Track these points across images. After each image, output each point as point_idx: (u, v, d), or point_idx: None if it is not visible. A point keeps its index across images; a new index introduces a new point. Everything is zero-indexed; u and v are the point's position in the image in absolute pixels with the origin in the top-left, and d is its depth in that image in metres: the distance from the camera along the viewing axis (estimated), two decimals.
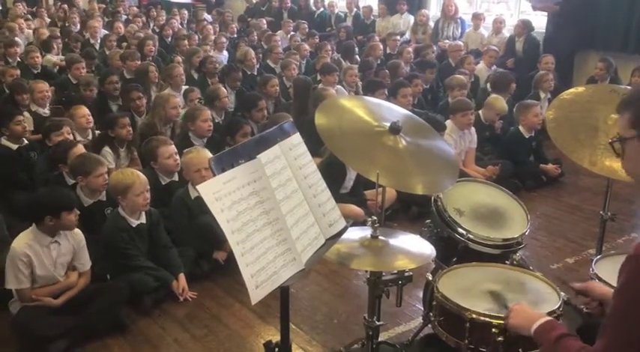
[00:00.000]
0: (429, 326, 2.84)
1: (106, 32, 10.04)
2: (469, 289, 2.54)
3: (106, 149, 4.96)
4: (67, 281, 3.47)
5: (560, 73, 7.91)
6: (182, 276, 3.88)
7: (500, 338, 2.26)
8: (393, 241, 2.48)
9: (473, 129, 5.73)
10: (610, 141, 1.89)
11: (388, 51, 9.23)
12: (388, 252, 2.43)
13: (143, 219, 3.86)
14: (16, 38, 8.89)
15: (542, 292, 2.51)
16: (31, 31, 10.35)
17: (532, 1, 9.02)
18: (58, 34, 9.62)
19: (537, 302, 2.40)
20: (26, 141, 5.05)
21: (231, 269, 3.88)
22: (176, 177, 4.55)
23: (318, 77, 7.19)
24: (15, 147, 4.95)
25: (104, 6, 13.74)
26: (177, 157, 4.47)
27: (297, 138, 2.19)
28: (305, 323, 3.59)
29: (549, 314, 2.19)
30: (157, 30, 11.16)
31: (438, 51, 9.18)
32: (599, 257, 2.90)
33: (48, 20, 11.98)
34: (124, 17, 12.05)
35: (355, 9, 11.89)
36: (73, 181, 4.14)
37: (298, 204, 2.06)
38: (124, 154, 5.09)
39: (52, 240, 3.39)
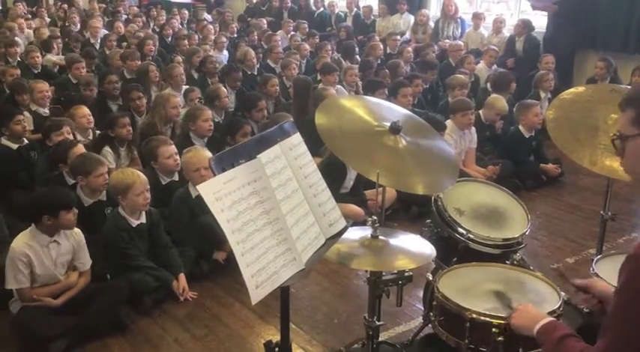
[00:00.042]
0: (430, 325, 2.83)
1: (106, 32, 10.05)
2: (469, 289, 2.54)
3: (107, 149, 4.97)
4: (67, 281, 3.47)
5: (560, 72, 7.91)
6: (182, 276, 3.88)
7: (500, 338, 2.26)
8: (393, 241, 2.48)
9: (473, 129, 5.73)
10: (612, 136, 1.85)
11: (388, 51, 9.23)
12: (388, 252, 2.43)
13: (143, 219, 3.86)
14: (17, 38, 8.90)
15: (542, 292, 2.50)
16: (31, 31, 10.34)
17: (531, 1, 9.02)
18: (59, 34, 9.63)
19: (538, 301, 2.40)
20: (26, 141, 5.05)
21: (231, 269, 3.88)
22: (176, 177, 4.56)
23: (319, 77, 7.19)
24: (15, 146, 4.95)
25: (104, 6, 13.75)
26: (178, 157, 4.47)
27: (297, 137, 2.19)
28: (305, 323, 3.59)
29: (550, 313, 2.20)
30: (157, 30, 11.16)
31: (438, 51, 9.17)
32: (599, 257, 2.90)
33: (48, 20, 12.00)
34: (124, 17, 12.06)
35: (355, 9, 11.90)
36: (74, 181, 4.14)
37: (298, 203, 2.06)
38: (124, 154, 5.09)
39: (51, 240, 3.38)
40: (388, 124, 2.56)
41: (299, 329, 3.51)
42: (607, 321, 1.70)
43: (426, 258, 2.44)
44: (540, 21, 9.05)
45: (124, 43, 9.39)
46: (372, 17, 11.52)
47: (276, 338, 2.26)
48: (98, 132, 5.42)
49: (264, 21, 11.76)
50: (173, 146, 4.57)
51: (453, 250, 2.94)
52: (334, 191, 2.35)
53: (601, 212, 3.41)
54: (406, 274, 2.48)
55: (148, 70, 6.99)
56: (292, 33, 10.52)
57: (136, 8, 13.35)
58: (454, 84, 6.67)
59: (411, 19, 10.66)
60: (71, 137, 4.87)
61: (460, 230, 2.94)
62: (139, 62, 7.58)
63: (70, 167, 4.18)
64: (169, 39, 10.40)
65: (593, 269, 2.68)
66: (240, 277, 1.79)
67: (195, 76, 7.73)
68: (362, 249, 2.41)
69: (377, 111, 2.70)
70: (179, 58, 8.20)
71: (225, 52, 9.36)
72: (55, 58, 8.58)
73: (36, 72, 7.82)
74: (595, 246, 3.64)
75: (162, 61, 8.58)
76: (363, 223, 3.06)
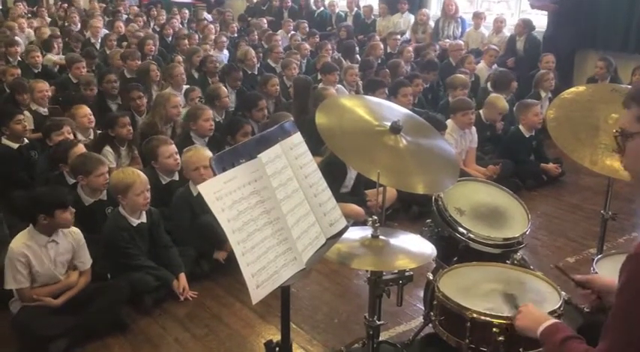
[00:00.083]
0: (430, 325, 2.83)
1: (107, 31, 10.05)
2: (470, 288, 2.54)
3: (107, 148, 4.97)
4: (67, 281, 3.47)
5: (560, 72, 7.91)
6: (183, 276, 3.88)
7: (501, 338, 2.26)
8: (393, 241, 2.48)
9: (473, 128, 5.72)
10: (614, 133, 1.82)
11: (389, 50, 9.24)
12: (389, 252, 2.42)
13: (144, 219, 3.86)
14: (17, 37, 8.92)
15: (542, 291, 2.51)
16: (31, 31, 10.35)
17: (530, 0, 9.03)
18: (59, 34, 9.64)
19: (538, 301, 2.40)
20: (27, 141, 5.05)
21: (231, 268, 3.88)
22: (176, 177, 4.56)
23: (319, 76, 7.19)
24: (15, 146, 4.95)
25: (105, 5, 13.77)
26: (178, 157, 4.47)
27: (297, 137, 2.19)
28: (306, 323, 3.59)
29: (550, 313, 2.20)
30: (158, 29, 11.18)
31: (438, 50, 9.17)
32: (600, 256, 2.90)
33: (48, 19, 12.01)
34: (125, 16, 12.08)
35: (356, 8, 11.91)
36: (74, 181, 4.14)
37: (299, 203, 2.05)
38: (124, 153, 5.10)
39: (50, 240, 3.38)
40: (389, 124, 2.56)
41: (299, 329, 3.51)
42: (608, 322, 1.70)
43: (427, 258, 2.44)
44: (541, 20, 9.05)
45: (125, 43, 9.39)
46: (373, 17, 11.53)
47: (276, 337, 2.26)
48: (99, 131, 5.43)
49: (265, 20, 11.77)
50: (173, 145, 4.57)
51: (454, 250, 2.94)
52: (334, 191, 2.35)
53: (601, 211, 3.42)
54: (407, 274, 2.47)
55: (148, 69, 6.99)
56: (292, 32, 10.52)
57: (136, 8, 13.36)
58: (454, 83, 6.67)
59: (412, 18, 10.67)
60: (72, 137, 4.87)
61: (460, 229, 2.94)
62: (140, 62, 7.58)
63: (71, 167, 4.18)
64: (170, 38, 10.40)
65: (593, 269, 2.69)
66: (240, 277, 1.79)
67: (196, 75, 7.73)
68: (362, 248, 2.41)
69: (377, 111, 2.70)
70: (179, 58, 8.20)
71: (226, 52, 9.36)
72: (56, 57, 8.58)
73: (36, 71, 7.82)
74: (596, 246, 3.64)
75: (162, 60, 8.58)
76: (364, 223, 3.05)
